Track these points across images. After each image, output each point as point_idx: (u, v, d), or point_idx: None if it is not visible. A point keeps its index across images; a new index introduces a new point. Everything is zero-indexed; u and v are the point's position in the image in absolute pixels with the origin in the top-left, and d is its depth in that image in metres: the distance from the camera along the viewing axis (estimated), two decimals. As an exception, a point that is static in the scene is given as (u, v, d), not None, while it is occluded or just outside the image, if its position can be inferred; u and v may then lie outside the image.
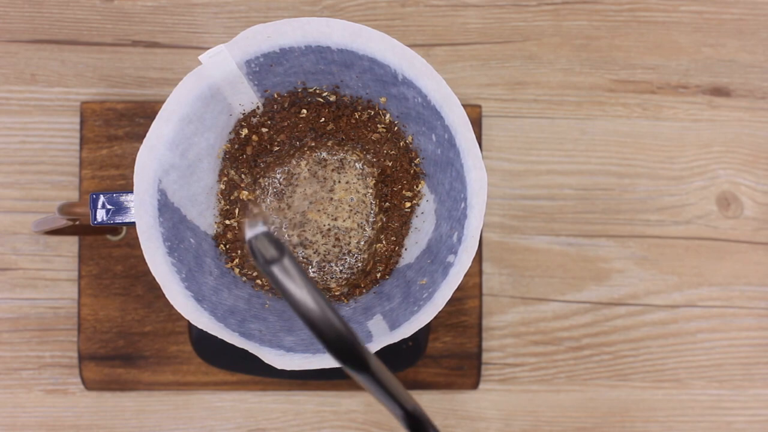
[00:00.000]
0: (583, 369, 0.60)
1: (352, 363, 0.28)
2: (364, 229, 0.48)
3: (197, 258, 0.44)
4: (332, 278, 0.47)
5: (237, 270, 0.46)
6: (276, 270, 0.27)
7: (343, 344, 0.28)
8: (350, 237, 0.47)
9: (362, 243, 0.47)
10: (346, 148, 0.47)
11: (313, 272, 0.48)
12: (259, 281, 0.47)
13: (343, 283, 0.47)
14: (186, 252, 0.43)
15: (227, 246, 0.46)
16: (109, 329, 0.57)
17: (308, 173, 0.47)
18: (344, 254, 0.47)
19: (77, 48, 0.59)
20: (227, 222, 0.46)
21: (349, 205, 0.48)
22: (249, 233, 0.28)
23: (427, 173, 0.46)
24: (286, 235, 0.48)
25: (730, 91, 0.61)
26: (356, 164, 0.48)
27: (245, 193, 0.47)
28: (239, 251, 0.47)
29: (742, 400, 0.60)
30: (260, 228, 0.28)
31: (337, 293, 0.47)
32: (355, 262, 0.47)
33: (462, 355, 0.58)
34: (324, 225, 0.47)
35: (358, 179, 0.48)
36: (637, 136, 0.61)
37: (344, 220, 0.47)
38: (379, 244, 0.47)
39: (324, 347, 0.28)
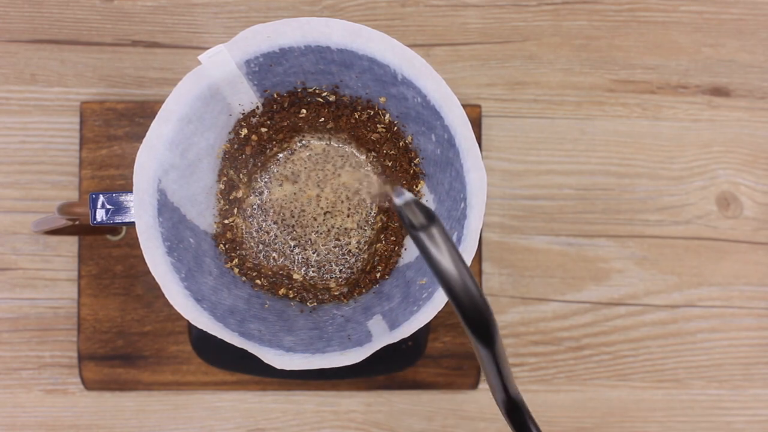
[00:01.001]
0: (582, 369, 0.60)
1: (481, 337, 0.29)
2: (364, 229, 0.48)
3: (197, 258, 0.44)
4: (332, 278, 0.47)
5: (236, 270, 0.46)
6: (424, 236, 0.28)
7: (479, 317, 0.29)
8: (350, 237, 0.47)
9: (362, 243, 0.47)
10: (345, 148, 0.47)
11: (313, 272, 0.48)
12: (258, 281, 0.47)
13: (343, 282, 0.47)
14: (185, 252, 0.43)
15: (226, 246, 0.46)
16: (108, 329, 0.57)
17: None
18: (344, 254, 0.47)
19: (77, 48, 0.59)
20: (226, 222, 0.46)
21: (348, 203, 0.48)
22: (398, 200, 0.29)
23: (426, 173, 0.46)
24: (282, 237, 0.48)
25: (729, 91, 0.61)
26: (356, 164, 0.48)
27: (243, 191, 0.47)
28: (238, 251, 0.47)
29: (741, 400, 0.60)
30: (408, 195, 0.29)
31: (336, 293, 0.47)
32: (355, 262, 0.47)
33: (462, 355, 0.58)
34: (321, 219, 0.47)
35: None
36: (637, 136, 0.61)
37: (344, 220, 0.47)
38: (379, 244, 0.47)
39: (459, 316, 0.29)
